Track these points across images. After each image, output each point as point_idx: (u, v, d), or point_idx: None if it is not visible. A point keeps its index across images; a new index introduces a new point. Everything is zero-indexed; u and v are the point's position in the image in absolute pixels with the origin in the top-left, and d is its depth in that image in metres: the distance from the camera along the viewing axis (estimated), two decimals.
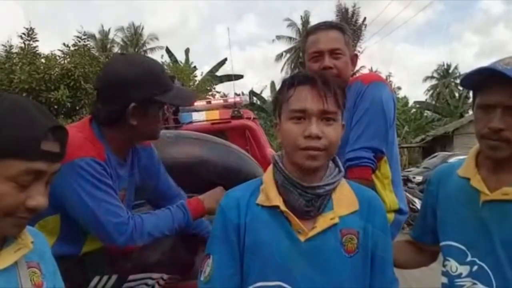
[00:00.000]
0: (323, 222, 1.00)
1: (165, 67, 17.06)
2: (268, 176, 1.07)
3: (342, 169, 1.07)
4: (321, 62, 1.50)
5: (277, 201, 1.02)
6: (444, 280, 1.13)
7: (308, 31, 1.64)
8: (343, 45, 1.53)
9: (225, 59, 21.04)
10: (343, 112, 1.03)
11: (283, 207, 1.01)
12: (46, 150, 0.75)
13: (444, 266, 1.13)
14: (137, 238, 1.23)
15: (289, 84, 1.03)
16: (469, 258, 1.07)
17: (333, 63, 1.49)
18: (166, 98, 1.27)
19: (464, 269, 1.07)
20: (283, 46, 28.32)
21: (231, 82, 18.99)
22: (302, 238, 1.00)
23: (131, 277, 1.36)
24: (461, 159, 1.17)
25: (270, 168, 1.08)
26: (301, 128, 0.98)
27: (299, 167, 1.00)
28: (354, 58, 1.59)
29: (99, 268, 1.32)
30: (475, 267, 1.06)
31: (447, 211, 1.14)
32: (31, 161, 0.73)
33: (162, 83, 1.27)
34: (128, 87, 1.22)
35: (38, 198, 0.76)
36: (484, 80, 1.01)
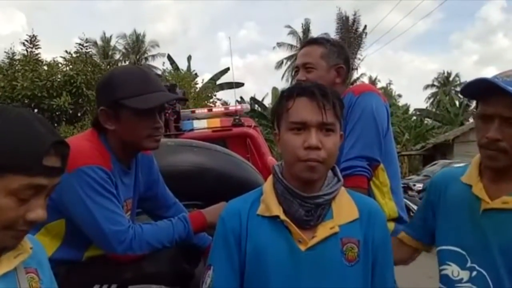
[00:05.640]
0: (323, 231, 1.01)
1: (167, 74, 17.14)
2: (268, 186, 1.08)
3: (341, 178, 1.08)
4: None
5: (277, 210, 1.02)
6: (443, 287, 1.12)
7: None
8: (317, 59, 1.60)
9: (228, 69, 21.16)
10: (341, 122, 1.05)
11: (283, 216, 1.01)
12: (48, 165, 0.74)
13: (441, 270, 1.13)
14: (136, 248, 1.23)
15: (287, 95, 1.04)
16: (468, 264, 1.07)
17: (306, 77, 1.59)
18: (131, 102, 1.22)
19: (464, 274, 1.08)
20: (284, 53, 28.55)
21: (232, 89, 19.05)
22: (302, 248, 1.00)
23: (130, 287, 1.36)
24: (466, 165, 1.17)
25: (270, 178, 1.09)
26: (300, 139, 0.99)
27: (299, 178, 1.01)
28: (340, 70, 1.63)
29: (99, 275, 1.32)
30: (474, 273, 1.06)
31: (448, 215, 1.14)
32: (33, 176, 0.73)
33: (134, 88, 1.23)
34: (100, 91, 1.29)
35: (38, 211, 0.76)
36: (484, 90, 1.02)
